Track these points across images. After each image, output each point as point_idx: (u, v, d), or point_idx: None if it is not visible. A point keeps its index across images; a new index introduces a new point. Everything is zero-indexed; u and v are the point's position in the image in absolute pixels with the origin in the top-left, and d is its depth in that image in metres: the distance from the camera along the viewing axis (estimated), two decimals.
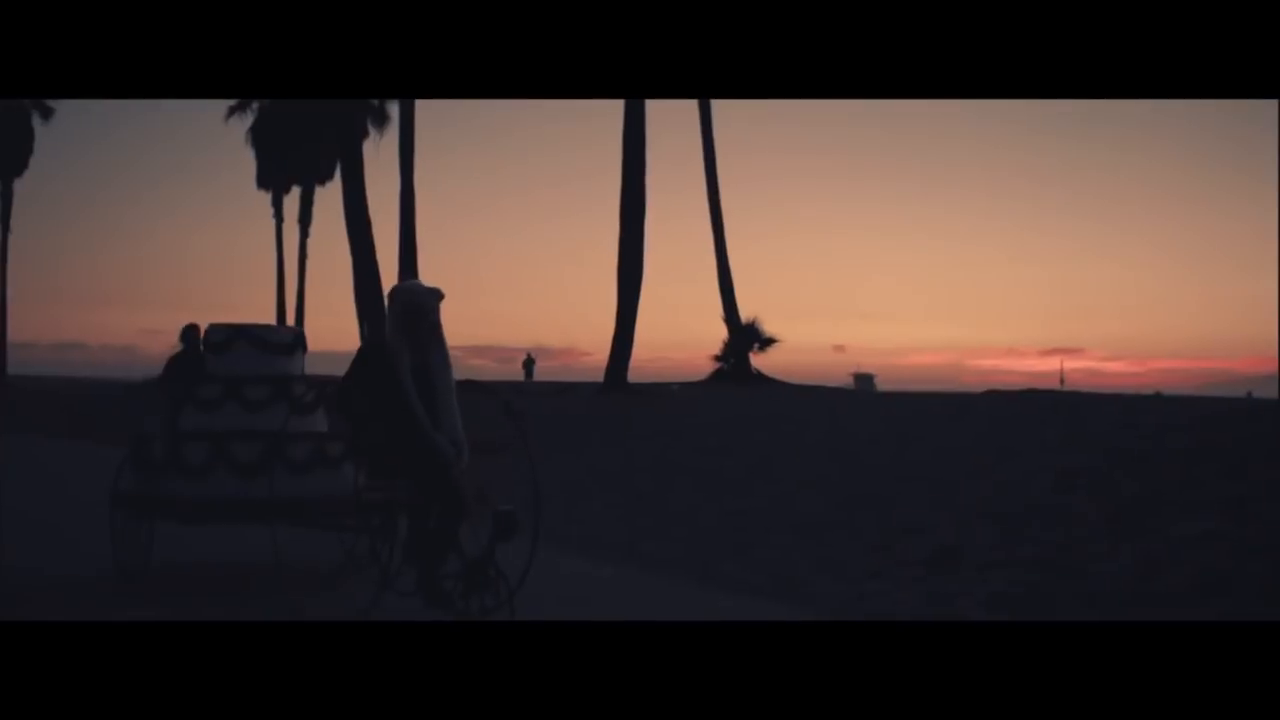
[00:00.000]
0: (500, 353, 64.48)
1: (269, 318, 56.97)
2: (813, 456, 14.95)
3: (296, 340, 9.58)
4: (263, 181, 54.09)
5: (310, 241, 54.75)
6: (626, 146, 28.74)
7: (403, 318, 7.26)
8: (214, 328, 9.49)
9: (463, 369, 11.53)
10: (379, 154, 43.45)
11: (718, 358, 37.70)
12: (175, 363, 11.02)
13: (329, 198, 52.98)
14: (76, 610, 7.74)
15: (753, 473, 14.45)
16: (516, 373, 47.26)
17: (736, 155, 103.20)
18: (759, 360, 37.56)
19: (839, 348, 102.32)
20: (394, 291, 7.47)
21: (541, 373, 46.73)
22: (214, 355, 9.32)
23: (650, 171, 28.82)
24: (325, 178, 51.08)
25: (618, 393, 27.70)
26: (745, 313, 37.37)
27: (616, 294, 28.82)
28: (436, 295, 7.41)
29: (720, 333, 37.43)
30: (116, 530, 9.19)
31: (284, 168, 52.19)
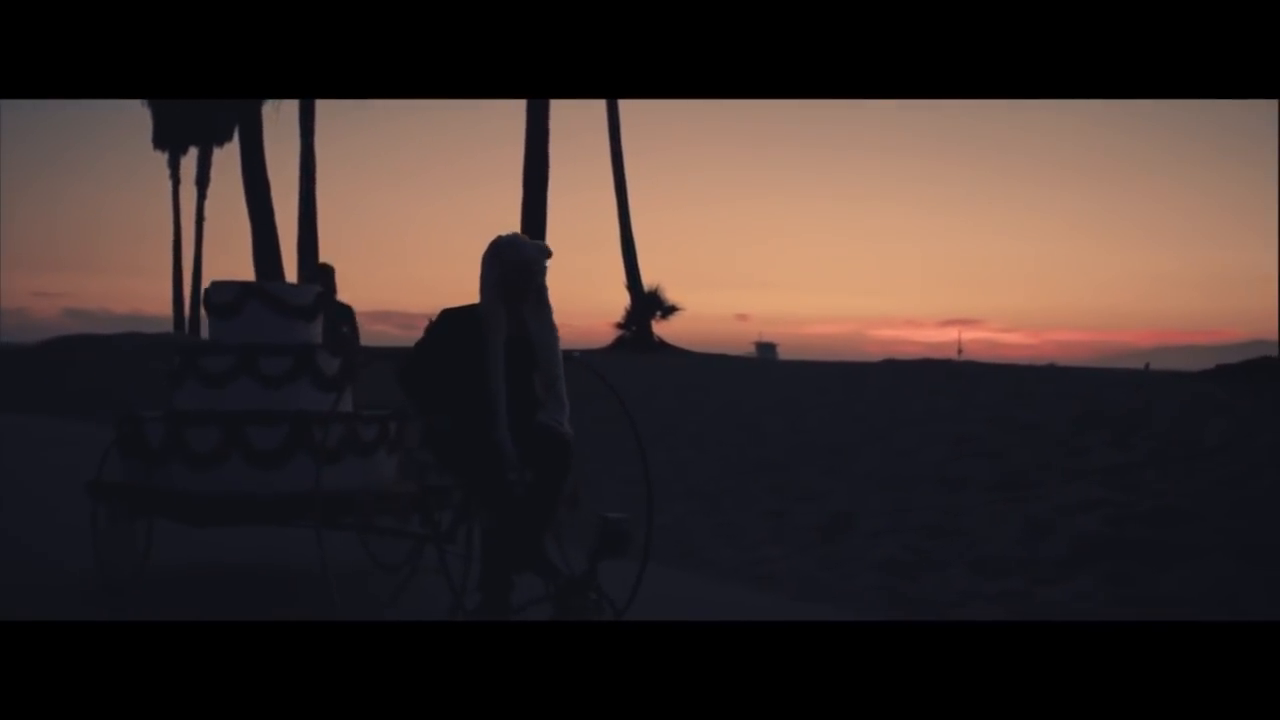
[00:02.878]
0: (402, 318, 63.91)
1: (165, 281, 55.88)
2: (712, 424, 15.08)
3: (319, 300, 7.86)
4: (159, 142, 53.15)
5: (208, 204, 53.95)
6: (530, 114, 28.65)
7: (504, 279, 5.97)
8: (217, 286, 7.74)
9: (372, 335, 11.00)
10: (279, 116, 42.74)
11: (620, 325, 37.75)
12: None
13: (227, 159, 52.24)
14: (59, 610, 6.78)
15: (652, 440, 14.53)
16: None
17: (641, 123, 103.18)
18: (661, 328, 37.65)
19: (742, 317, 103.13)
20: (494, 247, 6.07)
21: None
22: (219, 320, 7.61)
23: (554, 138, 28.78)
24: (223, 139, 50.26)
25: None
26: (648, 281, 37.41)
27: None
28: (545, 253, 6.10)
29: (623, 300, 37.45)
30: (101, 530, 7.60)
31: (181, 128, 51.31)
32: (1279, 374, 14.38)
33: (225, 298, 7.58)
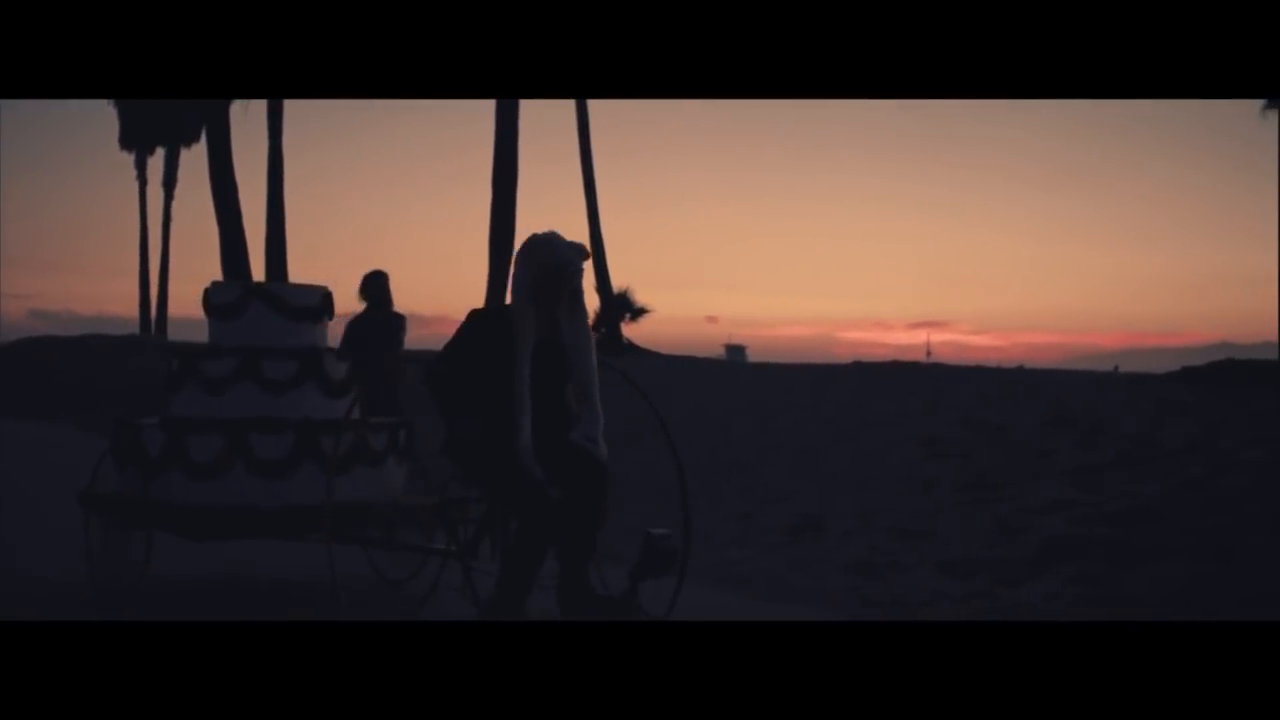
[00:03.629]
0: None
1: (132, 283, 55.56)
2: (682, 426, 15.09)
3: (325, 302, 7.39)
4: (126, 141, 52.79)
5: (175, 205, 53.64)
6: (499, 114, 28.59)
7: (537, 281, 5.61)
8: (218, 286, 7.41)
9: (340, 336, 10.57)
10: (247, 116, 42.52)
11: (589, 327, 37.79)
12: (360, 325, 9.10)
13: (195, 160, 51.91)
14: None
15: (622, 441, 14.51)
16: None
17: (610, 125, 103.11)
18: (631, 330, 37.71)
19: (711, 319, 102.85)
20: (528, 246, 5.72)
21: (413, 341, 46.34)
22: (219, 321, 7.22)
23: (523, 139, 28.73)
24: (191, 139, 49.97)
25: None
26: (618, 283, 37.49)
27: (488, 262, 28.69)
28: (582, 254, 5.75)
29: (592, 302, 37.48)
30: (96, 542, 7.23)
31: (148, 128, 50.98)
32: (1243, 376, 14.50)
33: (226, 298, 7.24)
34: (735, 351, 53.32)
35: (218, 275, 32.62)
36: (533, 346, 5.57)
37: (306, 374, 6.96)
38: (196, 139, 47.65)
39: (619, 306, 37.59)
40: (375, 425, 7.00)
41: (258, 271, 32.15)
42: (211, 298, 7.30)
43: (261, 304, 7.15)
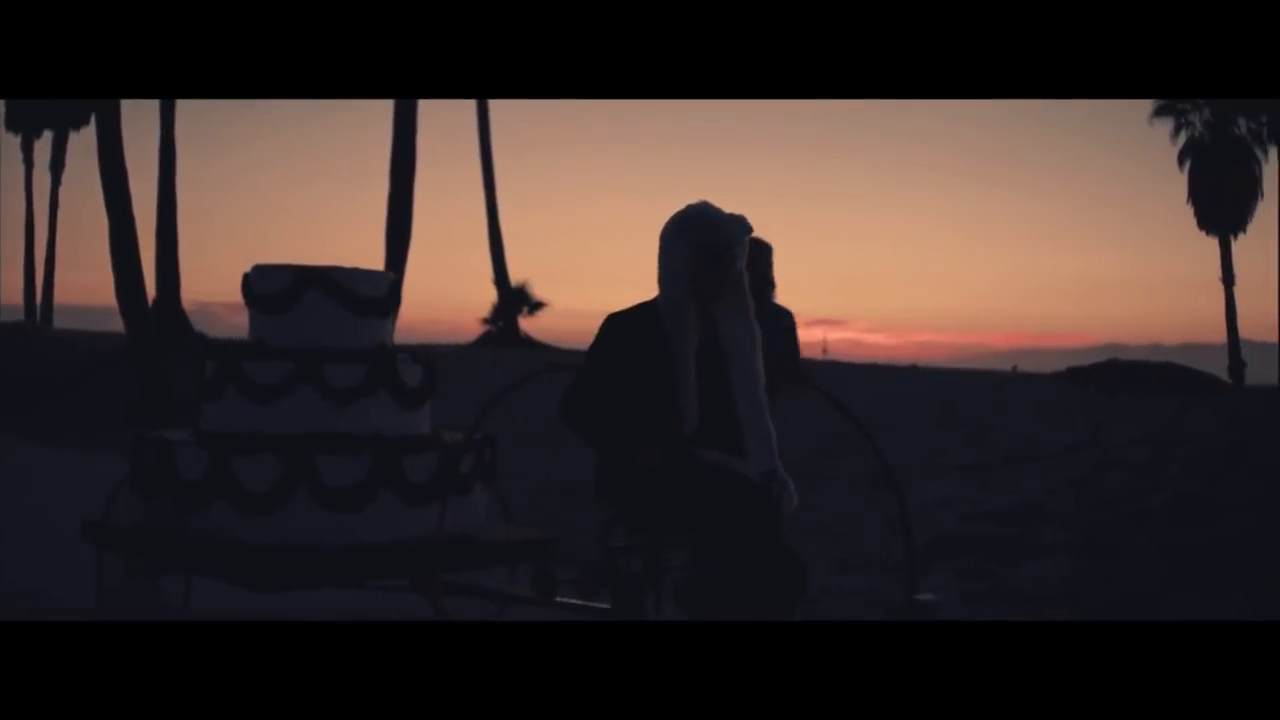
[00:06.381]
0: None
1: (16, 269, 54.17)
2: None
3: (392, 291, 6.09)
4: (12, 124, 51.63)
5: (62, 190, 52.54)
6: (398, 111, 28.37)
7: (695, 266, 4.50)
8: (264, 271, 5.93)
9: (232, 327, 9.72)
10: (139, 102, 41.72)
11: (486, 321, 37.68)
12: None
13: (84, 144, 50.86)
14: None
15: (518, 438, 14.51)
16: None
17: (510, 118, 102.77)
18: (529, 324, 37.70)
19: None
20: (681, 223, 4.54)
21: None
22: (266, 314, 5.86)
23: (421, 129, 28.56)
24: (80, 123, 48.92)
25: None
26: (516, 277, 37.42)
27: (385, 253, 28.49)
28: (746, 229, 4.57)
29: (490, 295, 37.40)
30: (114, 584, 5.93)
31: (36, 110, 49.87)
32: (1126, 376, 14.87)
33: (275, 286, 5.85)
34: None
35: (106, 262, 31.95)
36: (693, 352, 4.50)
37: (377, 379, 5.68)
38: (86, 122, 46.68)
39: (517, 300, 37.53)
40: (461, 444, 5.77)
41: (147, 261, 31.53)
42: (254, 285, 5.93)
43: (319, 293, 5.81)
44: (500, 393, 4.99)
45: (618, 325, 4.60)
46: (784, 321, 6.46)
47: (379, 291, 5.97)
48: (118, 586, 5.92)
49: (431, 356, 6.01)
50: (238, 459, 5.37)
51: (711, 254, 4.47)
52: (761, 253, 6.21)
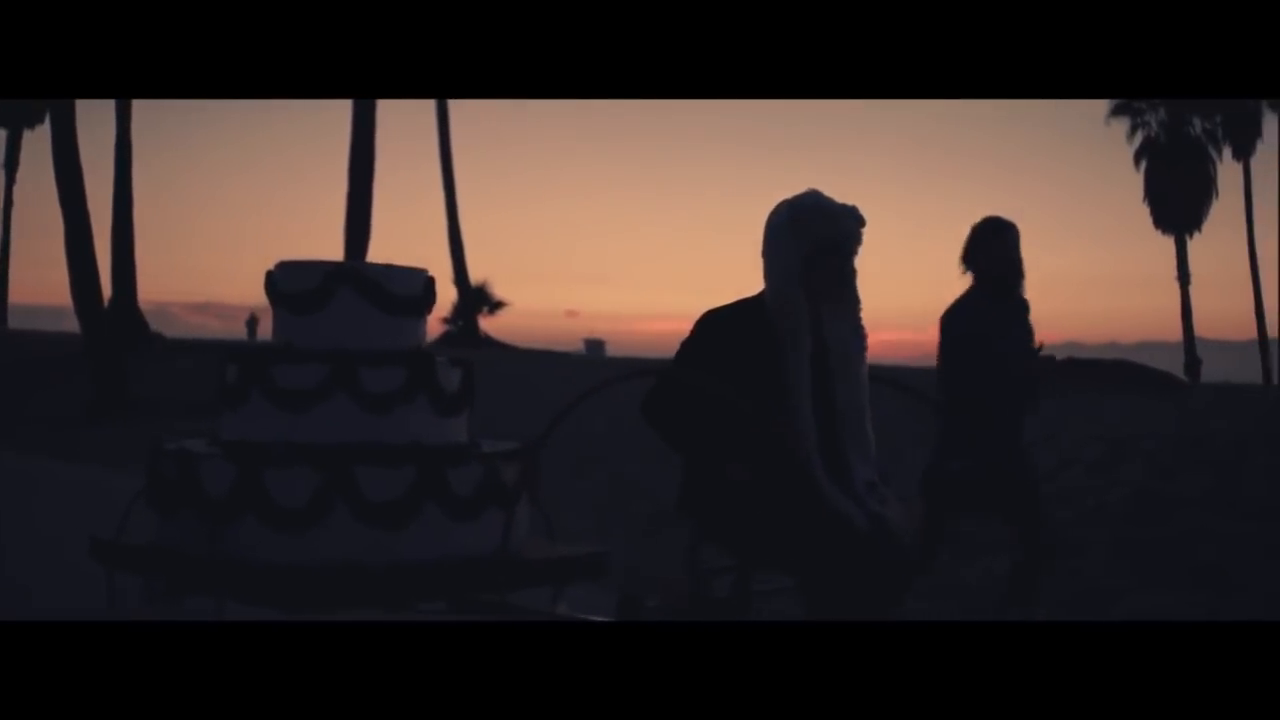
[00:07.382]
0: (221, 309, 62.49)
1: None
2: (540, 420, 15.10)
3: (428, 290, 5.65)
4: None
5: (17, 189, 52.04)
6: (356, 104, 28.28)
7: (811, 261, 4.17)
8: (290, 268, 5.49)
9: (189, 327, 9.41)
10: (94, 100, 41.37)
11: (446, 320, 37.60)
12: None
13: (38, 142, 50.38)
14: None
15: (478, 434, 14.50)
16: (239, 331, 46.05)
17: (470, 117, 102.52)
18: (488, 323, 37.73)
19: (571, 313, 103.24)
20: (793, 213, 4.20)
21: (265, 332, 45.69)
22: (294, 314, 5.45)
23: (381, 129, 28.48)
24: (35, 121, 48.48)
25: None
26: (475, 275, 37.35)
27: (343, 252, 28.38)
28: (860, 220, 4.23)
29: (449, 295, 37.33)
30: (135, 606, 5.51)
31: None
32: (1083, 374, 14.96)
33: (304, 284, 5.39)
34: (594, 346, 53.44)
35: (61, 261, 31.65)
36: (807, 355, 4.16)
37: (416, 385, 5.28)
38: (40, 120, 46.27)
39: (476, 300, 37.47)
40: (505, 454, 5.42)
41: (103, 259, 31.26)
42: (279, 283, 5.48)
43: (352, 291, 5.37)
44: (574, 400, 4.79)
45: (715, 324, 4.27)
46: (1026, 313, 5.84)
47: (415, 290, 5.53)
48: (138, 608, 5.49)
49: (469, 361, 5.67)
50: (269, 472, 4.93)
51: (828, 248, 4.16)
52: (1009, 236, 5.60)
